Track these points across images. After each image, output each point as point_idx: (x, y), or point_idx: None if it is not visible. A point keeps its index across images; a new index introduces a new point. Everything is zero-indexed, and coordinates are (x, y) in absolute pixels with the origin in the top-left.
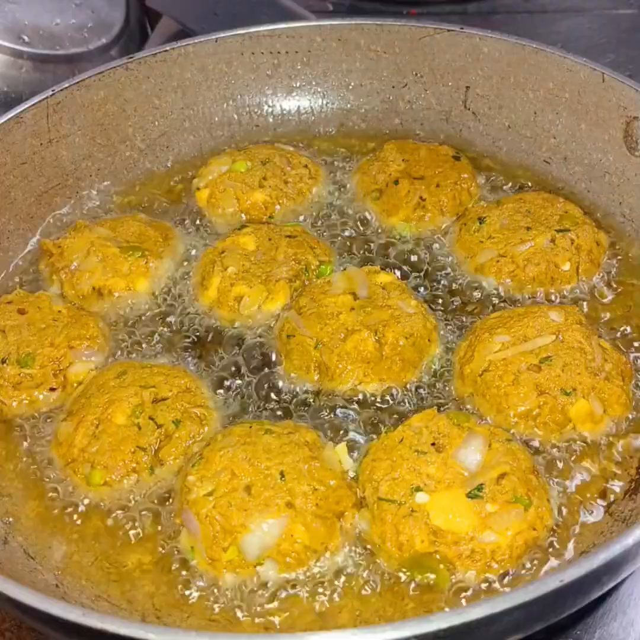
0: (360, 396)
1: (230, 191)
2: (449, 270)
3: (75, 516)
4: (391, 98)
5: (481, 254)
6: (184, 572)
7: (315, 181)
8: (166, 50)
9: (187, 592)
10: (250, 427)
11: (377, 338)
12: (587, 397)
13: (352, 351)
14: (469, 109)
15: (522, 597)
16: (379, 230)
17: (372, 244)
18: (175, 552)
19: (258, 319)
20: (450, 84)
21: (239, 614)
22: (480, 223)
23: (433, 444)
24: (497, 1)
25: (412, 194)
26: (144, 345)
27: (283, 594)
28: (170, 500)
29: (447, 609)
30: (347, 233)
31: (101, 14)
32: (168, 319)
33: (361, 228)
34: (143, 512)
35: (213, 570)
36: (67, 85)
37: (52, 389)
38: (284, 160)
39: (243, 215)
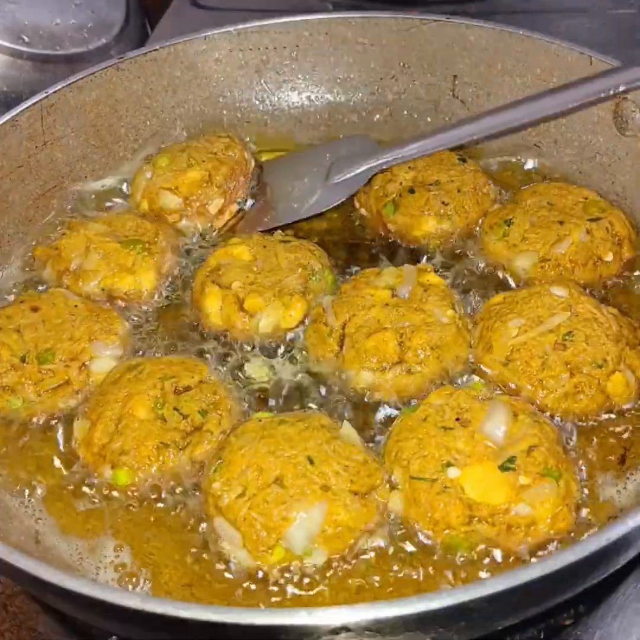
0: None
1: (165, 186)
2: (483, 276)
3: (106, 512)
4: (379, 89)
5: (519, 258)
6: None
7: (242, 145)
8: (156, 49)
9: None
10: (259, 420)
11: (401, 341)
12: (618, 367)
13: (371, 349)
14: (457, 98)
15: (573, 555)
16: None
17: (398, 251)
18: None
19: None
20: (437, 73)
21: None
22: (508, 225)
23: (457, 419)
24: (497, 1)
25: (432, 200)
26: (154, 343)
27: (325, 574)
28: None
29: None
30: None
31: (101, 14)
32: (175, 313)
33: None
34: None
35: (261, 567)
36: (59, 87)
37: (77, 392)
38: (202, 140)
39: (192, 202)
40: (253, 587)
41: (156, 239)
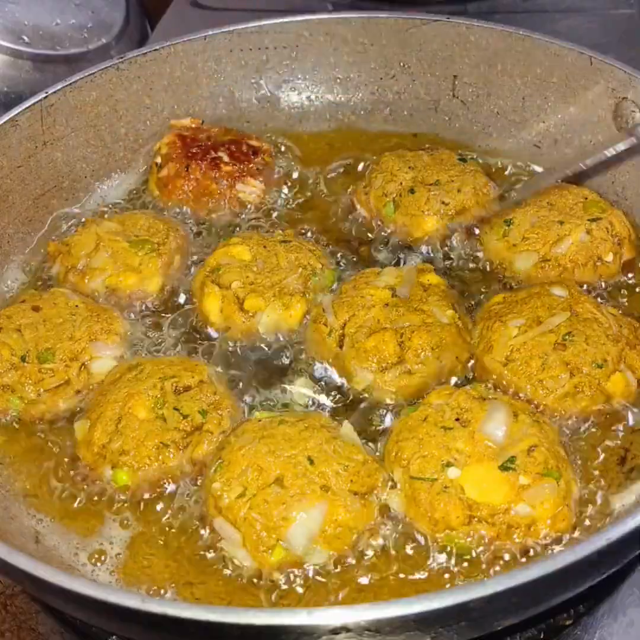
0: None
1: None
2: (483, 277)
3: (106, 512)
4: (380, 90)
5: (519, 258)
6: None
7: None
8: (156, 49)
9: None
10: (259, 420)
11: (401, 341)
12: (618, 366)
13: (371, 349)
14: (457, 98)
15: (573, 555)
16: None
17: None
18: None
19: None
20: (437, 73)
21: (277, 598)
22: (508, 225)
23: (457, 419)
24: (497, 1)
25: (432, 200)
26: (154, 343)
27: (325, 574)
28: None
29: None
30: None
31: (101, 14)
32: (178, 317)
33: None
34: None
35: (261, 568)
36: (59, 87)
37: (77, 392)
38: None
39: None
40: (253, 587)
41: (166, 240)
